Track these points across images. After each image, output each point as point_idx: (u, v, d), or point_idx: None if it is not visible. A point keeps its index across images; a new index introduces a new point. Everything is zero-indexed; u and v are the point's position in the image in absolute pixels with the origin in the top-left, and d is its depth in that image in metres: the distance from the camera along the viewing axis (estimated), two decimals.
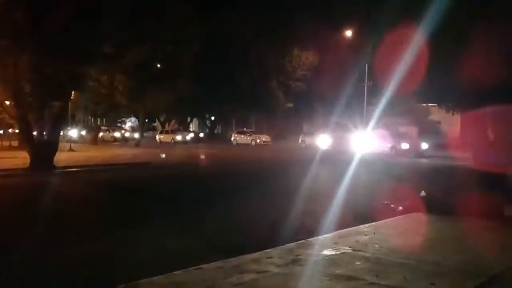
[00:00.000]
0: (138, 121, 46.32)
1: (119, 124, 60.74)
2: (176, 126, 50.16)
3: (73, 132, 39.31)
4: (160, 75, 32.49)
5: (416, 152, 24.19)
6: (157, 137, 45.34)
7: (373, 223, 6.34)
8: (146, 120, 49.72)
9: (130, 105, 35.85)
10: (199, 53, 34.82)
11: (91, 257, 5.06)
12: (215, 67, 39.29)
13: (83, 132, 42.72)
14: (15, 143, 31.53)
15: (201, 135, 49.95)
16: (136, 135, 46.11)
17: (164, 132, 45.88)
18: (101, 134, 46.73)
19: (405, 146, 25.02)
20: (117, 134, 45.77)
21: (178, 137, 41.94)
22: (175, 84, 34.50)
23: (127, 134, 46.41)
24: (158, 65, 32.55)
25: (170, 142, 40.60)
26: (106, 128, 47.55)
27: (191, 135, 45.52)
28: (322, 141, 20.86)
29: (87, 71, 15.18)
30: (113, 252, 5.25)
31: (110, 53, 14.98)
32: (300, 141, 34.96)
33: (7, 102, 17.30)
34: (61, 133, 28.72)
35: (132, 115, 50.34)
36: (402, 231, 5.91)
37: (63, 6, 13.28)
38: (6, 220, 7.19)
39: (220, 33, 37.14)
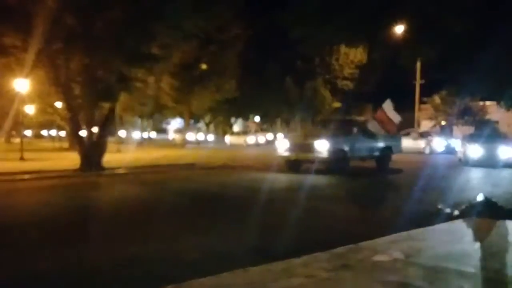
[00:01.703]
0: (184, 122, 47.03)
1: (165, 125, 61.74)
2: (257, 126, 47.49)
3: (136, 134, 39.45)
4: (205, 76, 32.85)
5: (493, 160, 17.42)
6: (227, 138, 43.35)
7: (426, 228, 6.04)
8: (192, 121, 50.30)
9: (176, 106, 36.43)
10: (244, 52, 34.95)
11: (141, 256, 5.05)
12: (260, 66, 39.30)
13: (138, 134, 42.86)
14: (65, 145, 32.88)
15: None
16: (210, 138, 45.00)
17: (235, 133, 44.05)
18: (172, 136, 46.25)
19: (475, 151, 18.10)
20: (190, 137, 44.64)
21: (250, 139, 39.44)
22: (220, 84, 34.76)
23: (200, 137, 45.20)
24: (203, 66, 32.90)
25: (241, 145, 38.63)
26: (178, 130, 46.72)
27: (269, 136, 42.65)
28: (280, 145, 16.20)
29: (135, 72, 15.50)
30: (161, 252, 5.22)
31: (157, 54, 15.26)
32: None
33: (58, 104, 17.97)
34: (124, 135, 29.55)
35: (177, 116, 51.19)
36: (457, 237, 5.59)
37: (113, 9, 13.63)
38: (59, 220, 7.36)
39: (266, 32, 37.11)
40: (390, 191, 11.37)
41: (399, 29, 29.43)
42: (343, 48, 40.59)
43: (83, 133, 15.74)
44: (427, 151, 27.71)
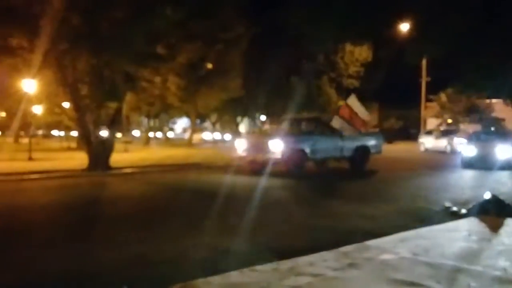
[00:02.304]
0: (190, 121, 47.11)
1: (171, 125, 61.94)
2: (273, 125, 46.17)
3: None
4: (211, 75, 32.85)
5: (489, 160, 15.45)
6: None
7: (434, 226, 6.04)
8: (199, 120, 50.40)
9: (182, 105, 36.46)
10: (248, 51, 34.89)
11: (147, 256, 5.07)
12: (264, 65, 39.21)
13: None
14: (73, 144, 33.02)
15: None
16: (228, 137, 44.47)
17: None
18: (187, 135, 46.32)
19: (470, 151, 16.33)
20: (206, 136, 44.41)
21: (205, 136, 38.87)
22: (226, 83, 34.74)
23: (217, 137, 45.04)
24: (209, 65, 32.89)
25: None
26: (186, 129, 46.77)
27: None
28: (238, 144, 14.87)
29: (141, 72, 15.55)
30: (168, 251, 5.23)
31: (163, 54, 15.30)
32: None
33: (66, 105, 18.06)
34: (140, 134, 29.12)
35: (184, 115, 51.23)
36: (465, 235, 5.58)
37: (118, 9, 13.68)
38: (66, 220, 7.40)
39: (270, 30, 37.06)
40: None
41: (404, 26, 29.27)
42: (348, 46, 40.44)
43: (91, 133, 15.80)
44: (448, 150, 26.01)
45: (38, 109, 27.67)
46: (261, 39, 36.33)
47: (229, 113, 50.28)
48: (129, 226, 6.63)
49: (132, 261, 4.87)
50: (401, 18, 27.47)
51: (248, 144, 14.57)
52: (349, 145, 15.01)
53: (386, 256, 4.58)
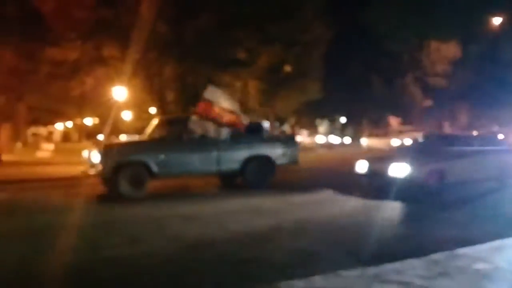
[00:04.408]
0: (269, 124, 47.43)
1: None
2: (399, 126, 39.29)
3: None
4: (290, 78, 32.84)
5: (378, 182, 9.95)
6: (363, 141, 37.56)
7: None
8: (278, 123, 50.78)
9: (262, 109, 36.77)
10: (327, 52, 34.51)
11: (227, 256, 5.14)
12: (344, 65, 38.54)
13: None
14: None
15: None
16: (347, 140, 44.67)
17: (374, 135, 37.38)
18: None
19: (359, 166, 10.36)
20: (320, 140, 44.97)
21: (395, 142, 31.79)
22: (304, 85, 34.56)
23: (334, 140, 45.09)
24: (288, 68, 32.91)
25: (381, 148, 31.92)
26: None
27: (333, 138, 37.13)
28: (92, 157, 10.25)
29: (223, 77, 15.97)
30: (249, 253, 5.26)
31: (243, 58, 15.61)
32: None
33: (152, 111, 18.95)
34: None
35: (263, 118, 51.67)
36: None
37: (201, 17, 14.18)
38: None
39: (350, 30, 36.47)
40: None
41: (496, 20, 27.45)
42: (434, 43, 38.58)
43: None
44: None
45: (127, 115, 29.31)
46: (341, 39, 35.80)
47: (308, 115, 50.10)
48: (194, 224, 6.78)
49: (212, 260, 4.96)
50: (492, 12, 25.81)
51: (93, 156, 10.42)
52: (233, 156, 10.97)
53: (479, 266, 4.33)
